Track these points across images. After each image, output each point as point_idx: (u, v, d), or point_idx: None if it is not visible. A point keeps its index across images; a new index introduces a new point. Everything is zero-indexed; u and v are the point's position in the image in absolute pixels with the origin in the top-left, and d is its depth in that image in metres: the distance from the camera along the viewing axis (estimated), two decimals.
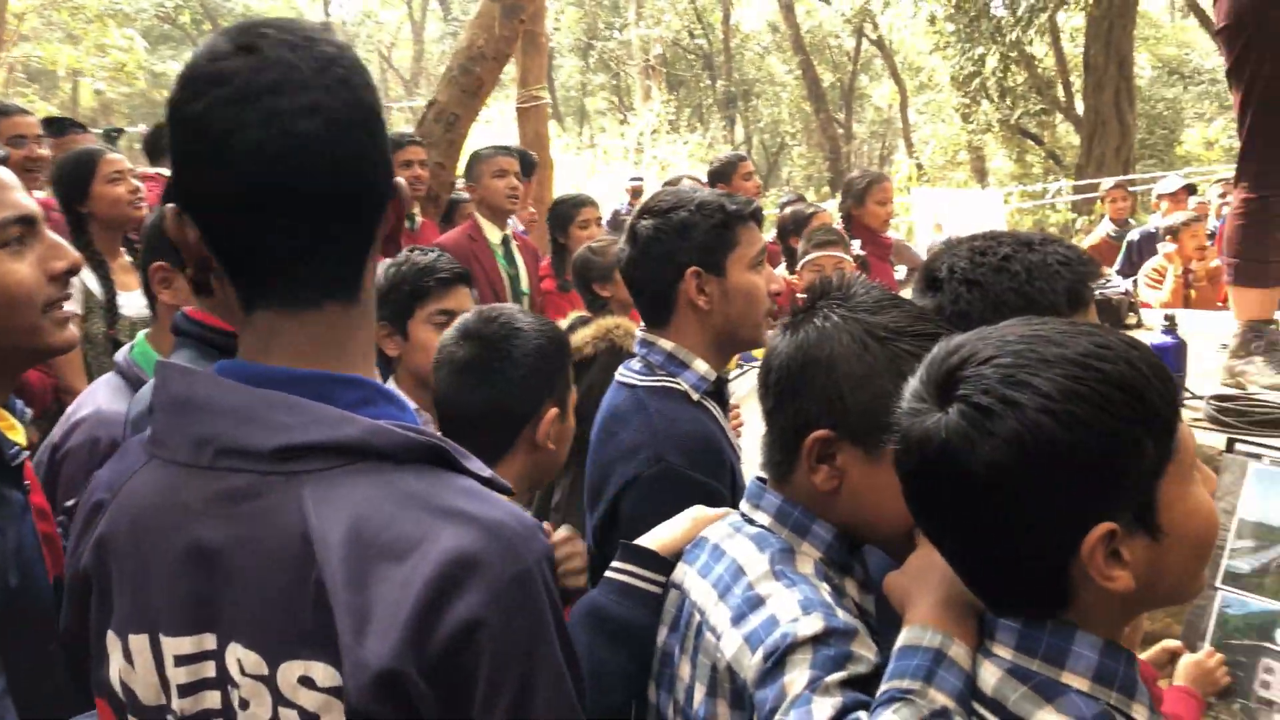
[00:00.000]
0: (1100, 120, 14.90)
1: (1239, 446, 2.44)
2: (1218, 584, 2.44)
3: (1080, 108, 16.32)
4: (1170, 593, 0.93)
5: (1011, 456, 0.84)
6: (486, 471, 0.86)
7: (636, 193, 9.51)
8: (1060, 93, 18.14)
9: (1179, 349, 2.90)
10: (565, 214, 4.48)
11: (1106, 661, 0.88)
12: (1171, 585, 0.91)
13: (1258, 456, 2.41)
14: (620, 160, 19.63)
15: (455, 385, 1.54)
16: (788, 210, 5.29)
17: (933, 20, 18.39)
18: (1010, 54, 16.28)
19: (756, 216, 1.82)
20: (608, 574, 1.30)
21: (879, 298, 1.18)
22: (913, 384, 0.94)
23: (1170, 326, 2.94)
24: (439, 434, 0.88)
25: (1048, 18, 16.25)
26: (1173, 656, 2.12)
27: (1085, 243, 7.60)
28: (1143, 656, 2.03)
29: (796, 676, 0.97)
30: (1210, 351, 3.46)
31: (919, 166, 20.91)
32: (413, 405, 1.70)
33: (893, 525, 1.10)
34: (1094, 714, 0.86)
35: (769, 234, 5.42)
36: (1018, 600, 0.91)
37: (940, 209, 7.95)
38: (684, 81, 28.84)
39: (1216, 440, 2.51)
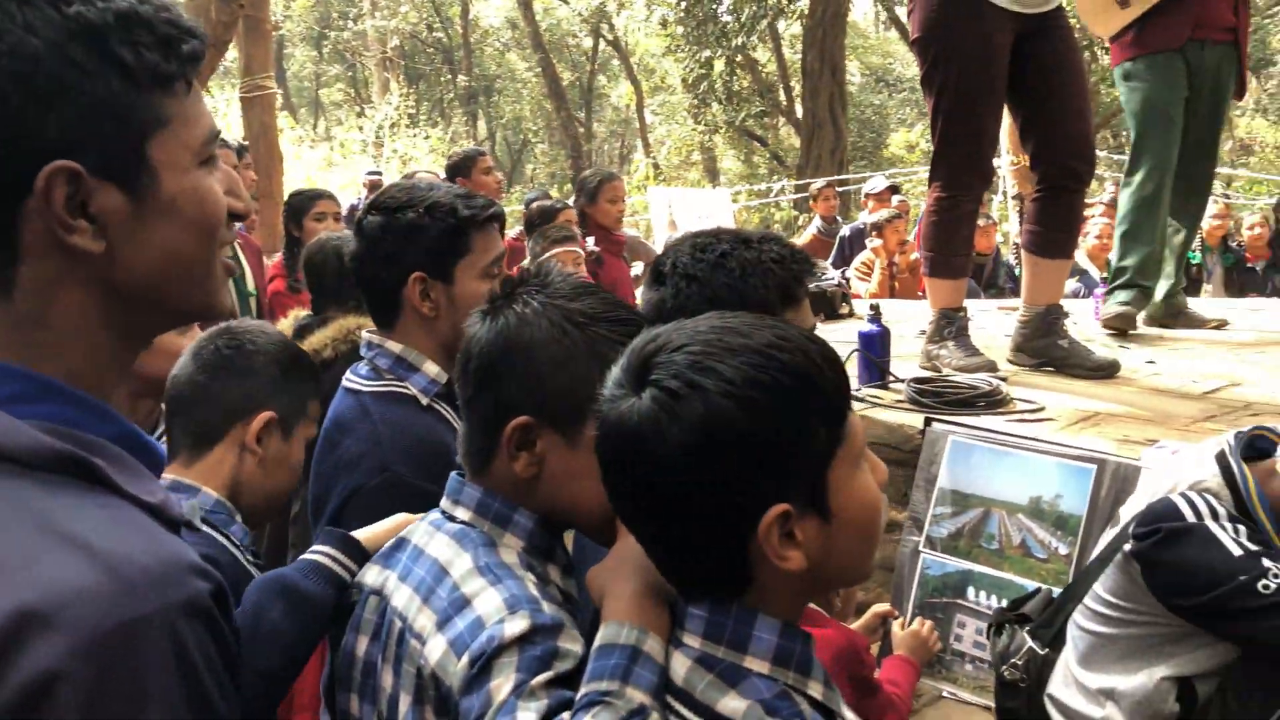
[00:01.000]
0: (817, 123, 15.97)
1: (935, 424, 2.69)
2: (921, 548, 2.68)
3: (800, 111, 17.41)
4: (841, 574, 0.99)
5: (696, 438, 0.87)
6: (155, 497, 0.74)
7: (374, 187, 9.18)
8: (782, 96, 19.26)
9: (883, 336, 3.14)
10: (300, 208, 4.26)
11: (785, 643, 0.92)
12: (842, 566, 0.95)
13: (953, 432, 2.68)
14: (359, 154, 18.97)
15: (185, 365, 1.58)
16: (534, 206, 5.30)
17: (664, 24, 19.03)
18: (735, 58, 17.11)
19: (495, 220, 1.75)
20: (304, 555, 1.27)
21: (576, 285, 1.19)
22: (614, 371, 0.96)
23: (875, 315, 3.18)
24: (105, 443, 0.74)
25: (767, 24, 17.21)
26: (884, 620, 2.29)
27: (801, 239, 8.13)
28: (857, 624, 2.18)
29: (502, 682, 0.96)
30: (912, 337, 3.78)
31: (656, 166, 21.59)
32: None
33: (593, 510, 1.11)
34: (773, 694, 0.89)
35: (515, 230, 5.41)
36: (705, 583, 0.94)
37: (674, 207, 8.22)
38: (424, 75, 28.26)
39: (917, 419, 2.75)
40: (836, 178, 11.89)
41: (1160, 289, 3.90)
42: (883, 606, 2.30)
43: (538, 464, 1.13)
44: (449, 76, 28.15)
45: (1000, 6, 2.97)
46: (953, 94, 3.06)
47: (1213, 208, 6.83)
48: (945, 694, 2.44)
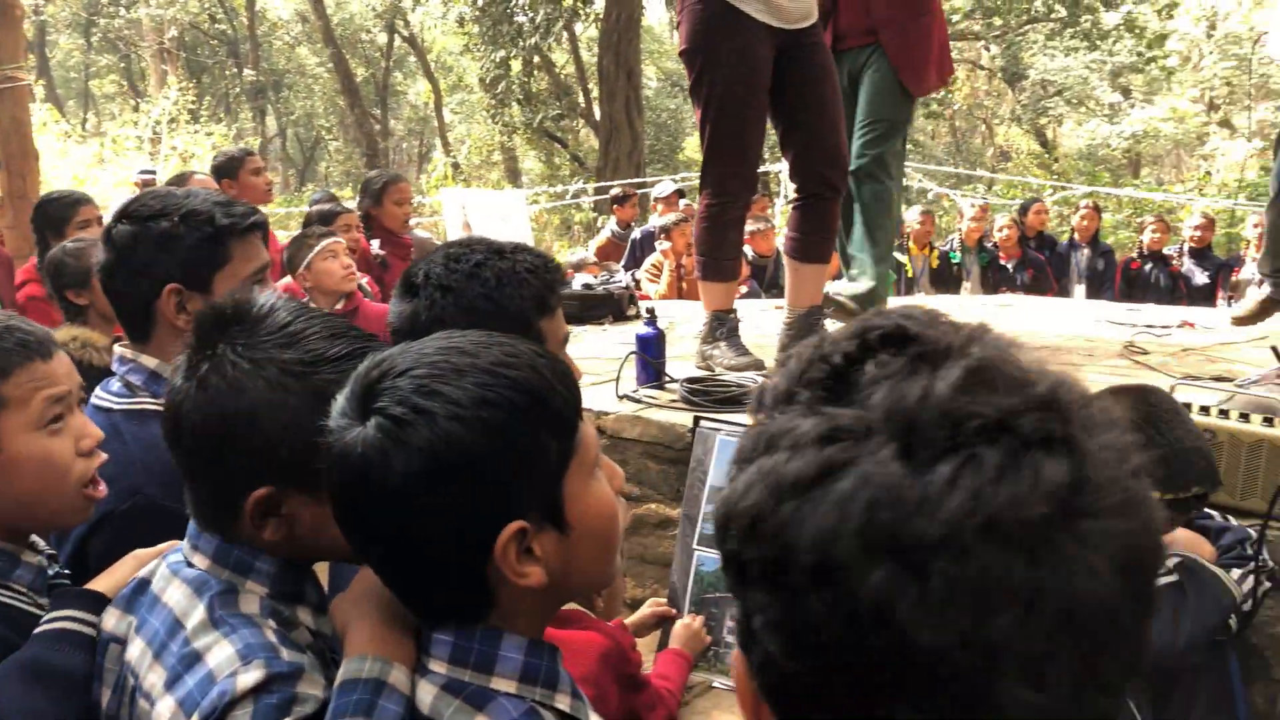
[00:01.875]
0: (614, 126, 16.18)
1: (704, 423, 2.79)
2: (695, 545, 2.77)
3: (598, 114, 17.60)
4: (584, 584, 0.99)
5: (425, 465, 0.85)
6: None
7: (148, 186, 8.65)
8: (580, 99, 19.41)
9: (659, 338, 3.22)
10: (58, 214, 3.93)
11: (531, 660, 0.92)
12: (583, 576, 0.97)
13: (719, 430, 2.78)
14: (134, 151, 17.73)
15: None
16: (314, 209, 5.12)
17: (461, 22, 18.79)
18: (532, 59, 17.10)
19: (257, 228, 1.68)
20: (42, 626, 1.16)
21: (285, 323, 1.10)
22: (339, 400, 0.93)
23: (651, 318, 3.26)
24: None
25: (563, 27, 17.29)
26: (660, 619, 2.35)
27: (595, 241, 8.24)
28: (630, 619, 2.23)
29: None
30: (694, 338, 3.90)
31: (455, 165, 21.29)
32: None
33: (346, 548, 1.09)
34: (520, 713, 0.90)
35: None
36: (446, 609, 0.94)
37: (469, 208, 8.12)
38: (207, 68, 26.75)
39: (689, 419, 2.84)
40: (634, 180, 12.09)
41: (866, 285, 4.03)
42: (660, 605, 2.36)
43: (288, 524, 1.08)
44: (235, 70, 26.77)
45: (760, 21, 3.10)
46: (718, 104, 3.17)
47: (970, 210, 7.40)
48: (716, 684, 2.53)
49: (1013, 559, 0.47)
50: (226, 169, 4.58)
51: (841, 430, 0.52)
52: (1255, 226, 6.92)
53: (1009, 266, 7.24)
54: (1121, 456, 0.52)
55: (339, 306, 3.77)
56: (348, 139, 26.79)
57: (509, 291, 1.40)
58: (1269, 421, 1.97)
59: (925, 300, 5.91)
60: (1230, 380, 2.64)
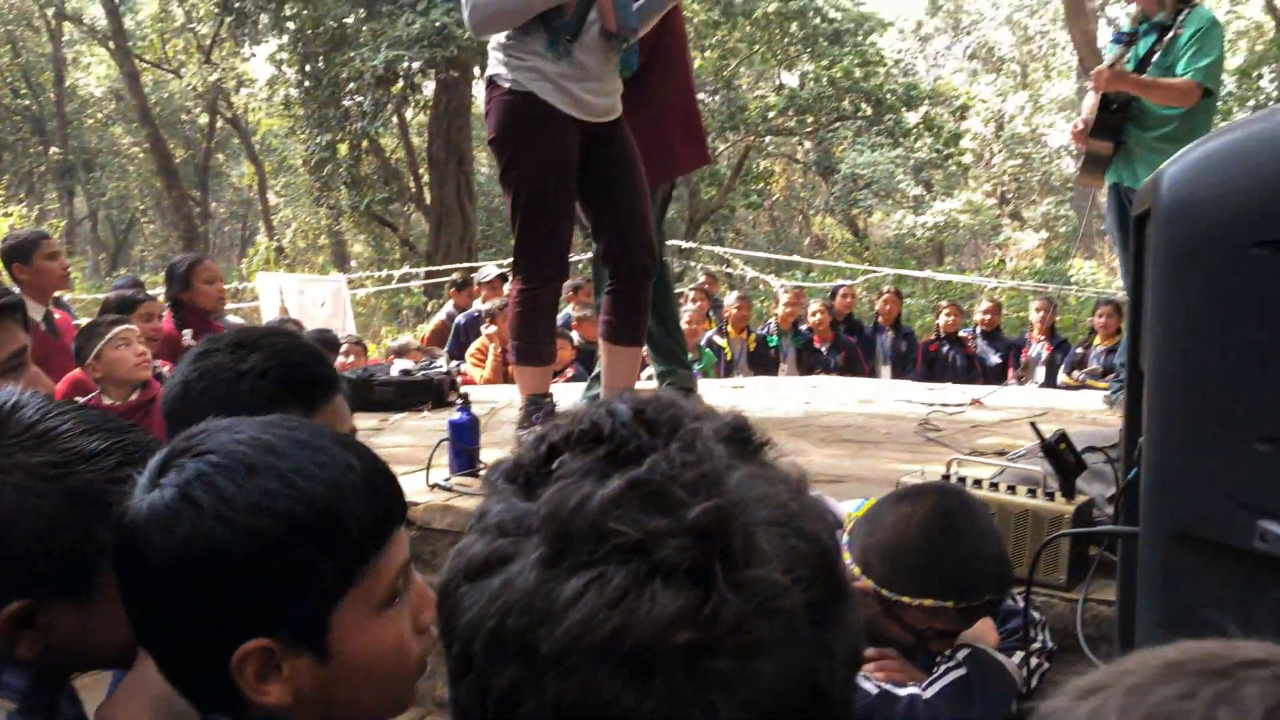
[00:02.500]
0: (445, 211, 16.19)
1: None
2: None
3: (429, 198, 17.57)
4: (357, 712, 0.92)
5: (179, 555, 0.81)
6: None
7: None
8: (411, 183, 19.35)
9: (472, 424, 3.20)
10: None
11: None
12: (352, 707, 0.90)
13: None
14: None
15: None
16: (113, 295, 4.88)
17: (287, 104, 18.50)
18: (360, 143, 16.98)
19: (11, 311, 1.58)
20: None
21: (33, 423, 1.02)
22: (151, 461, 0.88)
23: (465, 404, 3.24)
24: None
25: (393, 112, 17.29)
26: None
27: (430, 324, 8.17)
28: None
29: None
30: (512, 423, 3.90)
31: (280, 249, 20.73)
32: None
33: (113, 645, 1.02)
34: None
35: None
36: (212, 700, 0.88)
37: (286, 293, 7.93)
38: (7, 145, 25.25)
39: None
40: (466, 265, 12.08)
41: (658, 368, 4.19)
42: None
43: (44, 634, 1.00)
44: (40, 148, 25.39)
45: (567, 113, 3.19)
46: (527, 193, 3.23)
47: (784, 295, 7.74)
48: None
49: (621, 686, 0.47)
50: (18, 252, 4.30)
51: (513, 524, 0.52)
52: (1037, 310, 7.54)
53: (823, 349, 7.59)
54: (770, 595, 0.49)
55: (134, 397, 3.59)
56: (165, 222, 25.71)
57: (242, 387, 1.31)
58: (1032, 493, 2.13)
59: (743, 381, 6.11)
60: (1004, 454, 2.85)
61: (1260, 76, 15.65)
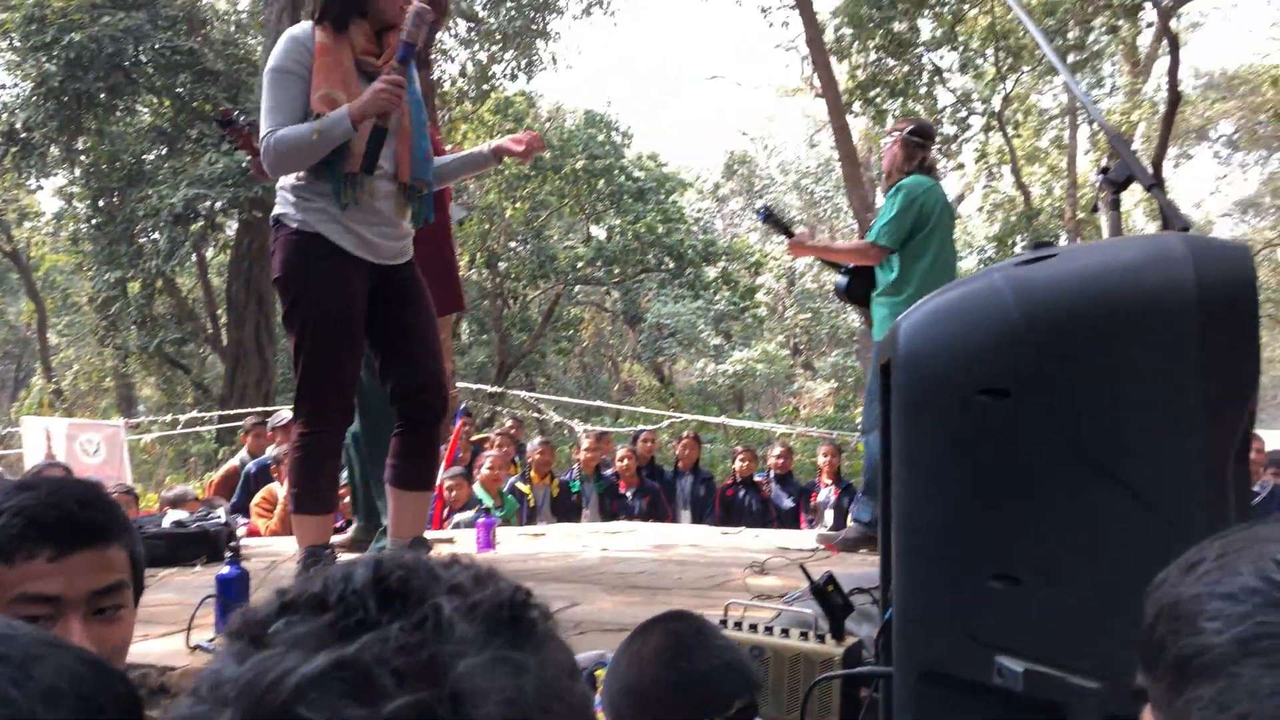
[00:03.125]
0: (243, 353, 15.56)
1: None
2: None
3: (225, 340, 16.86)
4: None
5: None
6: None
7: None
8: (208, 323, 18.56)
9: (241, 579, 2.99)
10: None
11: None
12: None
13: None
14: None
15: None
16: None
17: (75, 239, 17.57)
18: (154, 282, 16.24)
19: None
20: None
21: None
22: None
23: (234, 557, 3.03)
24: None
25: (191, 250, 16.69)
26: None
27: (220, 471, 7.69)
28: None
29: None
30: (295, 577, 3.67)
31: (58, 391, 19.28)
32: None
33: None
34: None
35: None
36: None
37: (54, 438, 7.32)
38: None
39: None
40: (263, 410, 11.55)
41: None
42: None
43: None
44: None
45: (356, 255, 3.16)
46: (313, 333, 3.14)
47: (587, 440, 7.78)
48: None
49: None
50: None
51: (211, 691, 0.48)
52: (825, 455, 7.88)
53: (628, 494, 7.62)
54: None
55: None
56: None
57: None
58: (804, 635, 2.16)
59: (545, 528, 6.03)
60: (781, 597, 2.90)
61: (1014, 244, 17.43)
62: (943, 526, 1.47)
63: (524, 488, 7.26)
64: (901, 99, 16.68)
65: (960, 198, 28.04)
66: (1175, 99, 13.86)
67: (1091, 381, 1.36)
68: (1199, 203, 29.73)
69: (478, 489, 6.61)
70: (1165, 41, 15.07)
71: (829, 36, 15.88)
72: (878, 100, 16.43)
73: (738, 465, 7.91)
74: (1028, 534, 1.40)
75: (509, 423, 9.64)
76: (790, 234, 4.43)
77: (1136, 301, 1.36)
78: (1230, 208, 28.72)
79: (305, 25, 3.15)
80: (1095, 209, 2.31)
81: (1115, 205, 2.41)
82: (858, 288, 4.46)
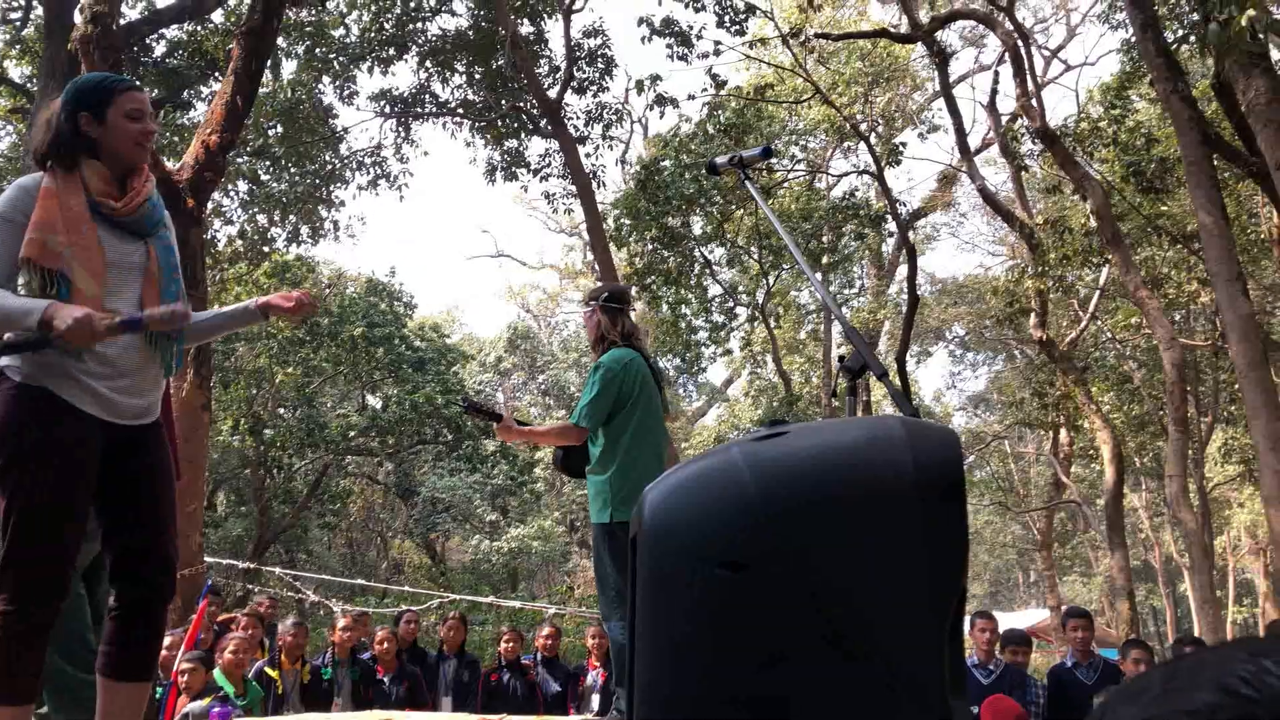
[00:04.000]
0: None
1: None
2: None
3: None
4: None
5: None
6: None
7: None
8: None
9: None
10: None
11: None
12: None
13: None
14: None
15: None
16: None
17: None
18: None
19: None
20: None
21: None
22: None
23: None
24: None
25: None
26: None
27: None
28: None
29: None
30: None
31: None
32: None
33: None
34: None
35: None
36: None
37: None
38: None
39: None
40: None
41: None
42: None
43: None
44: None
45: (88, 414, 2.91)
46: (26, 499, 2.82)
47: (342, 620, 7.31)
48: None
49: None
50: None
51: None
52: (593, 637, 7.72)
53: (385, 680, 7.14)
54: None
55: None
56: None
57: None
58: None
59: (292, 719, 5.53)
60: None
61: None
62: (685, 699, 1.45)
63: (272, 673, 6.67)
64: (675, 287, 17.63)
65: (728, 382, 29.54)
66: (914, 302, 15.37)
67: (822, 554, 1.41)
68: (939, 396, 32.57)
69: (218, 675, 6.02)
70: (905, 250, 16.82)
71: (609, 225, 16.71)
72: (653, 287, 17.28)
73: (503, 647, 7.62)
74: (768, 706, 1.40)
75: (262, 601, 8.95)
76: (497, 418, 4.37)
77: (860, 480, 1.44)
78: (965, 402, 31.67)
79: (36, 174, 2.99)
80: (833, 394, 2.47)
81: (853, 391, 2.59)
82: (575, 461, 4.45)
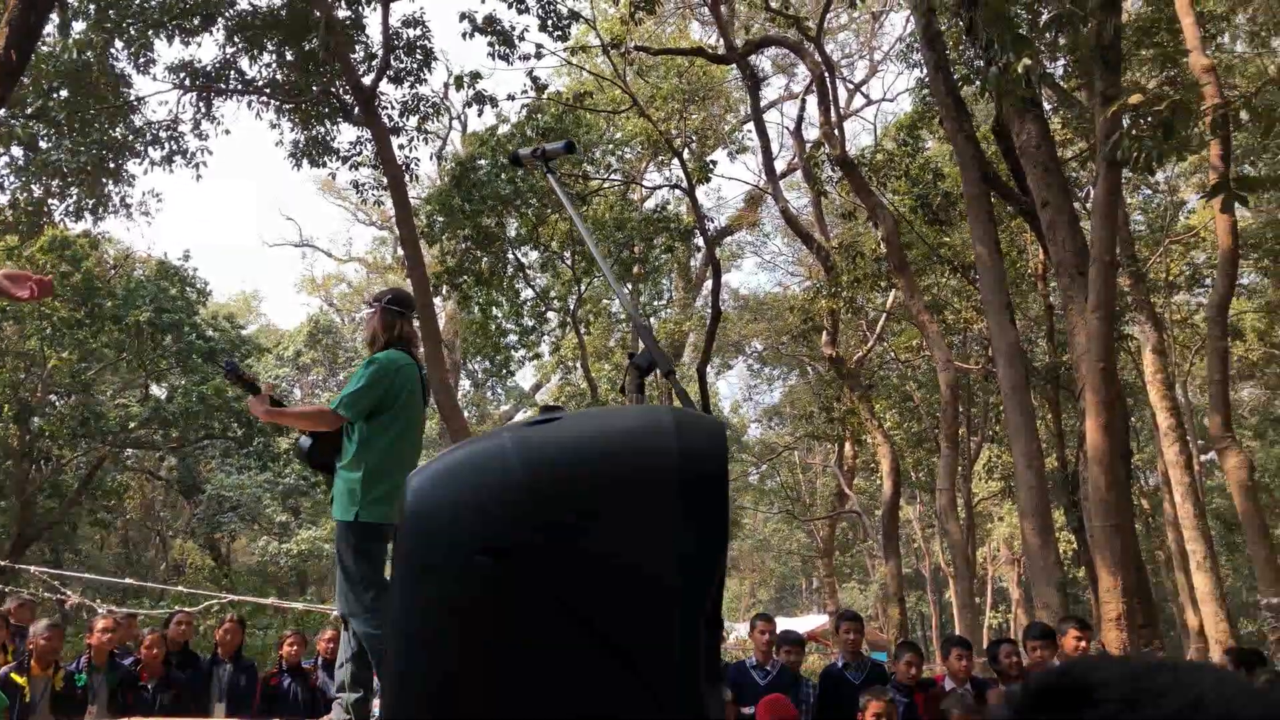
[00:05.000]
0: None
1: None
2: None
3: None
4: None
5: None
6: None
7: None
8: None
9: None
10: None
11: None
12: None
13: None
14: None
15: None
16: None
17: None
18: None
19: None
20: None
21: None
22: None
23: None
24: None
25: None
26: None
27: None
28: None
29: None
30: None
31: None
32: None
33: None
34: None
35: None
36: None
37: None
38: None
39: None
40: None
41: None
42: None
43: None
44: None
45: None
46: None
47: (101, 622, 6.80)
48: None
49: None
50: None
51: None
52: None
53: (149, 687, 6.68)
54: None
55: None
56: None
57: None
58: None
59: None
60: None
61: None
62: (443, 690, 1.42)
63: (19, 680, 6.12)
64: (487, 289, 17.46)
65: (537, 387, 29.50)
66: (716, 315, 15.85)
67: (585, 543, 1.42)
68: (737, 408, 33.68)
69: None
70: (711, 266, 17.32)
71: (420, 221, 16.36)
72: (464, 287, 17.05)
73: (285, 650, 7.29)
74: (521, 697, 1.40)
75: (12, 604, 8.21)
76: (255, 390, 4.18)
77: (625, 466, 1.45)
78: (760, 415, 32.85)
79: None
80: (623, 390, 2.51)
81: (640, 389, 2.64)
82: (324, 453, 4.27)
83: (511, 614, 1.40)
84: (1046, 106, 10.98)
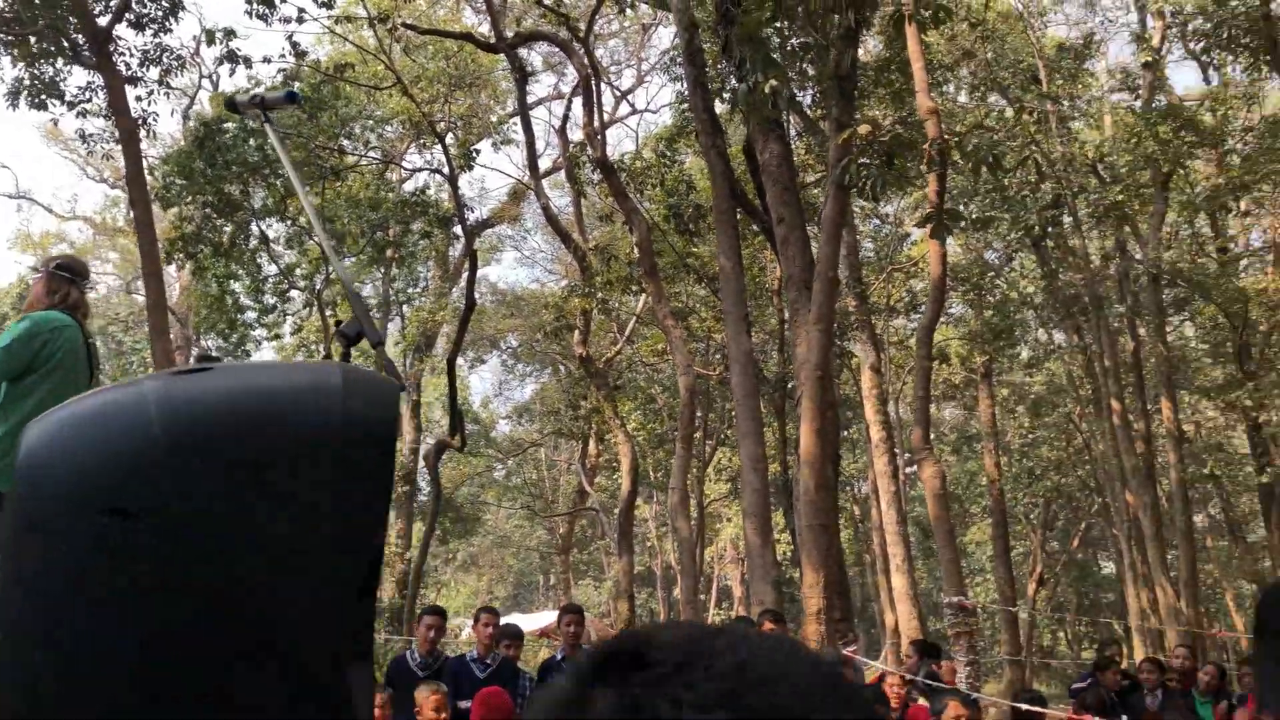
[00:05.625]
0: None
1: None
2: None
3: None
4: None
5: None
6: None
7: None
8: None
9: None
10: None
11: None
12: None
13: None
14: None
15: None
16: None
17: None
18: None
19: None
20: None
21: None
22: None
23: None
24: None
25: None
26: None
27: None
28: None
29: None
30: None
31: None
32: None
33: None
34: None
35: None
36: None
37: None
38: None
39: None
40: None
41: None
42: None
43: None
44: None
45: None
46: None
47: None
48: None
49: None
50: None
51: None
52: None
53: None
54: None
55: None
56: None
57: None
58: None
59: None
60: None
61: None
62: (46, 673, 1.28)
63: None
64: (225, 260, 16.39)
65: None
66: (470, 305, 15.67)
67: (224, 504, 1.32)
68: (487, 403, 33.44)
69: None
70: (468, 256, 17.11)
71: (155, 180, 15.12)
72: (201, 257, 15.93)
73: None
74: (144, 672, 1.28)
75: None
76: None
77: (279, 427, 1.36)
78: (510, 411, 32.78)
79: None
80: (327, 357, 2.38)
81: (346, 358, 2.52)
82: None
83: (131, 581, 1.27)
84: (792, 131, 11.62)
